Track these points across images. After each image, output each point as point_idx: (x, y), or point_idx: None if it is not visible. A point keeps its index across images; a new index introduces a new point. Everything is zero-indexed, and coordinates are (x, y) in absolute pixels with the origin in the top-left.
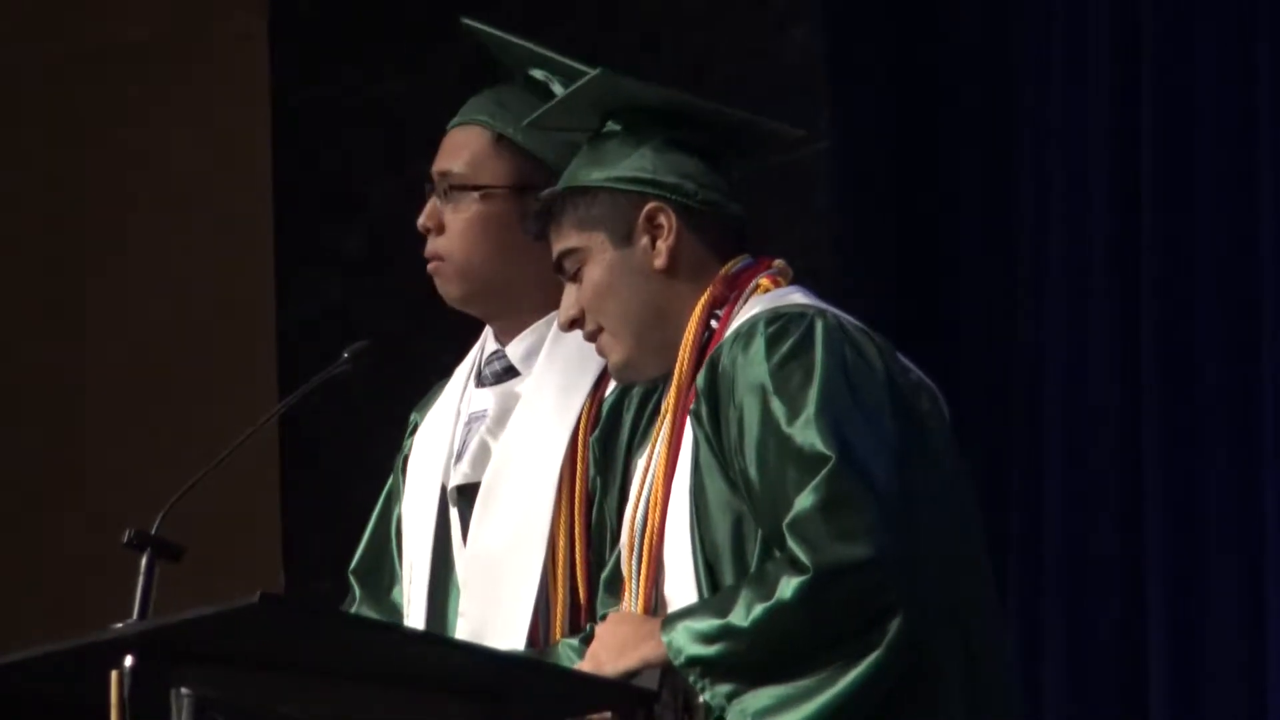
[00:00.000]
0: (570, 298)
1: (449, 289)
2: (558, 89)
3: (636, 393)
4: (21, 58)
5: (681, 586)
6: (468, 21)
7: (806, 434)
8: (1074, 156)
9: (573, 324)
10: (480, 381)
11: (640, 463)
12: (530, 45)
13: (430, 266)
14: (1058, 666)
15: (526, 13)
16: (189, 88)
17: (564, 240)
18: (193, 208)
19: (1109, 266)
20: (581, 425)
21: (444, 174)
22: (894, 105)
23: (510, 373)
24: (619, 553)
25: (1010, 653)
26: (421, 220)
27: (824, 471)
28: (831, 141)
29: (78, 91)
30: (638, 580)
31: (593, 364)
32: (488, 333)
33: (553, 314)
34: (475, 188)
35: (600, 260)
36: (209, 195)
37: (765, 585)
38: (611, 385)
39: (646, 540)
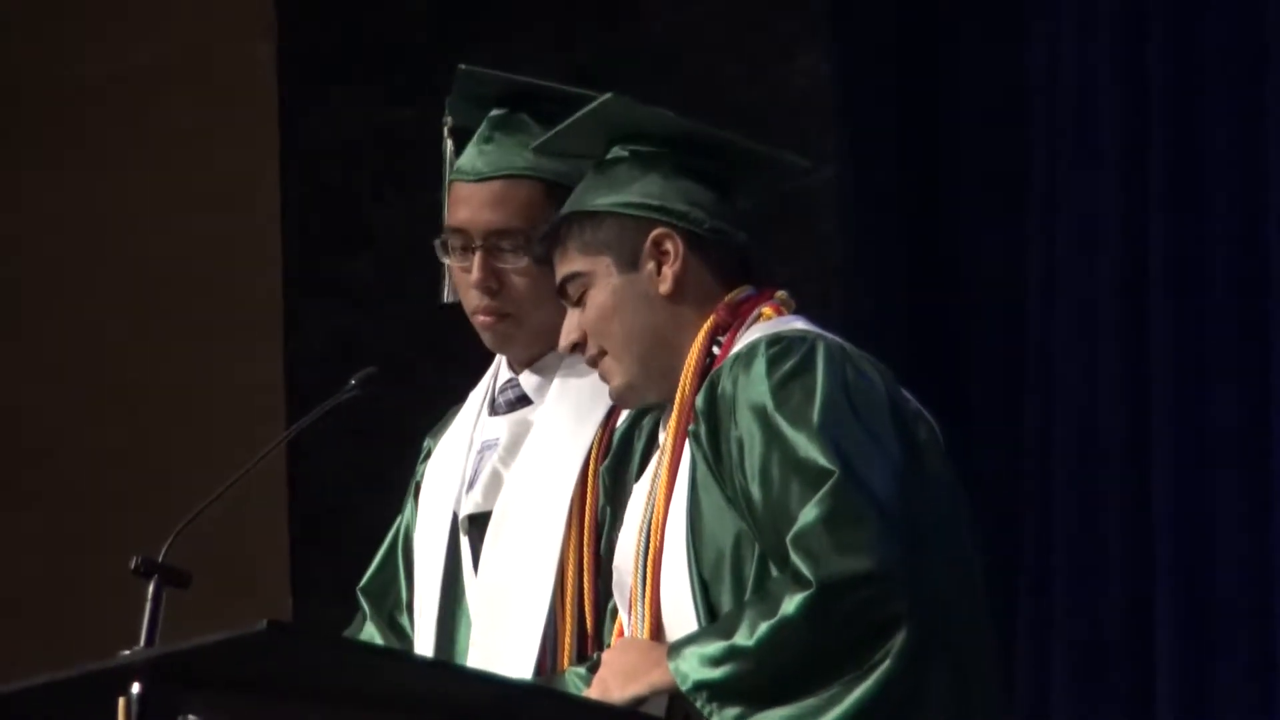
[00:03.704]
0: (572, 321)
1: (512, 347)
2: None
3: (647, 423)
4: (28, 83)
5: (678, 606)
6: (465, 67)
7: (809, 449)
8: (1082, 182)
9: (574, 347)
10: (493, 409)
11: (637, 488)
12: (538, 81)
13: (487, 322)
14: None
15: (534, 41)
16: (196, 112)
17: (569, 264)
18: (200, 233)
19: (1119, 290)
20: (593, 455)
21: (498, 231)
22: (901, 131)
23: (523, 401)
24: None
25: (1001, 677)
26: (479, 279)
27: (827, 485)
28: (838, 167)
29: (84, 117)
30: (643, 603)
31: (605, 394)
32: (501, 360)
33: None
34: None
35: (605, 284)
36: (216, 221)
37: (769, 603)
38: (623, 416)
39: (650, 562)
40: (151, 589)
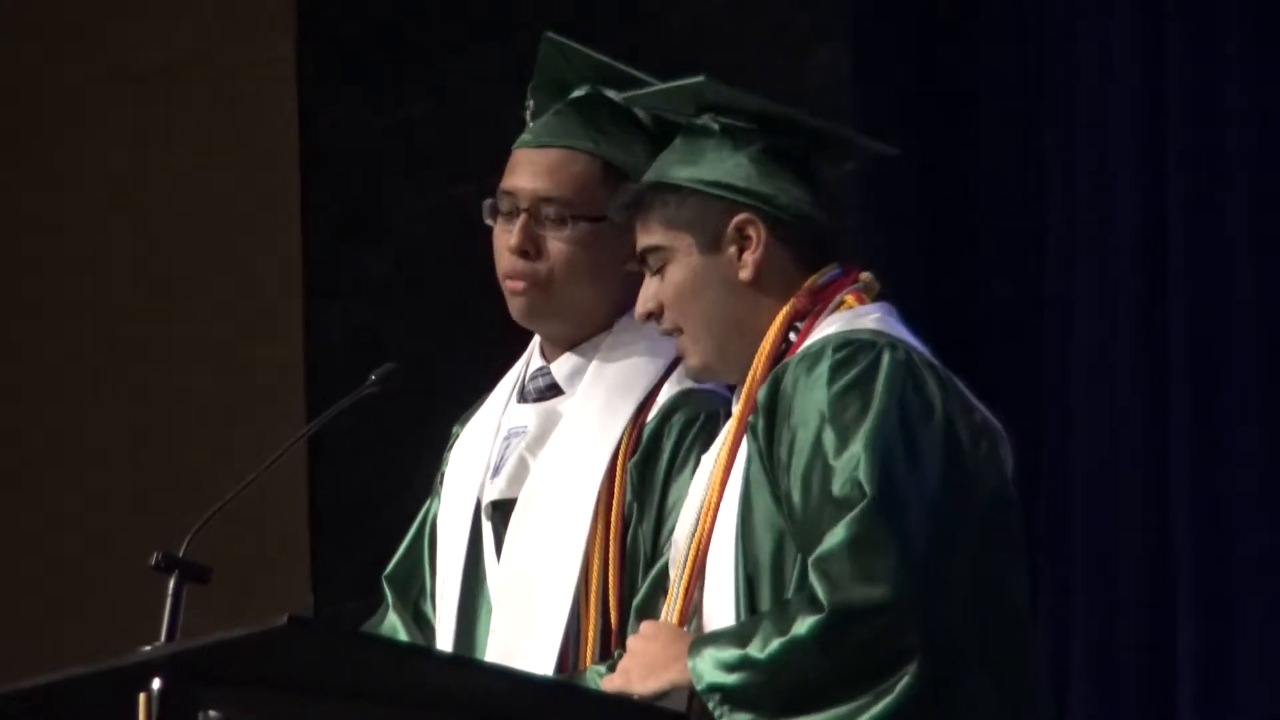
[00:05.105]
0: (650, 290)
1: (536, 319)
2: (639, 113)
3: (677, 420)
4: (47, 81)
5: (721, 598)
6: (552, 36)
7: (850, 468)
8: (1102, 176)
9: (650, 316)
10: (523, 397)
11: (705, 459)
12: (616, 63)
13: (515, 287)
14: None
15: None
16: (216, 111)
17: (651, 236)
18: (220, 231)
19: (1139, 281)
20: (621, 449)
21: (546, 198)
22: (920, 127)
23: (554, 390)
24: (653, 574)
25: (1046, 689)
26: (517, 243)
27: (857, 510)
28: (858, 163)
29: (102, 115)
30: (679, 585)
31: (636, 388)
32: (534, 347)
33: (601, 335)
34: (589, 218)
35: (685, 263)
36: (236, 218)
37: (784, 620)
38: (654, 411)
39: (694, 547)
40: (172, 584)
